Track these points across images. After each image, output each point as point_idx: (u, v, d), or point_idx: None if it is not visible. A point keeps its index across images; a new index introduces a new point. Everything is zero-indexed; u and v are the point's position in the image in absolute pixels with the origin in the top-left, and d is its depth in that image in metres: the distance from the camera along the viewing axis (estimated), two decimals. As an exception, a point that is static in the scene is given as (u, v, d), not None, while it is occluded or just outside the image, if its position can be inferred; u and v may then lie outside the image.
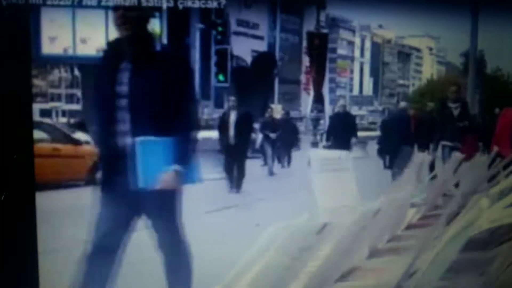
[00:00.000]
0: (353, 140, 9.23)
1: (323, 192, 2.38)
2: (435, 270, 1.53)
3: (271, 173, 9.73)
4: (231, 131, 8.52)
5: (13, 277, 2.83)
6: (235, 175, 8.49)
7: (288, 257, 1.35)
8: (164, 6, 4.20)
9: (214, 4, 4.22)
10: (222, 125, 8.70)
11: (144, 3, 4.20)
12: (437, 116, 7.69)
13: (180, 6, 4.32)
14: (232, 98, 9.04)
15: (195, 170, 3.76)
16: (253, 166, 9.85)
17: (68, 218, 5.54)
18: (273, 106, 11.09)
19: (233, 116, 8.62)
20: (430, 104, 9.61)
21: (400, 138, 8.47)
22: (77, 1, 4.06)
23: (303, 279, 1.56)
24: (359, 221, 1.70)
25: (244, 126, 8.67)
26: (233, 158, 8.49)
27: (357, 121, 11.32)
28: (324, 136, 9.84)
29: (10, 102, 2.78)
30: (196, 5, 4.36)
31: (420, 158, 2.67)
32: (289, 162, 10.37)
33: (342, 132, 9.17)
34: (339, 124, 9.32)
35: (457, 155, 3.23)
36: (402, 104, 9.77)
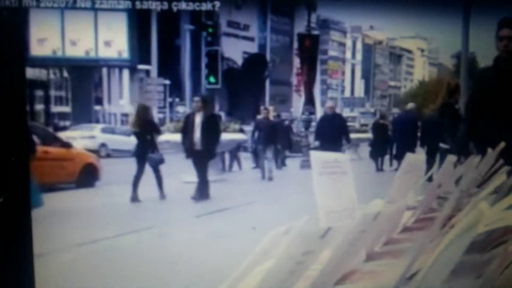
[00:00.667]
0: (346, 145, 8.91)
1: (324, 195, 2.35)
2: (437, 273, 1.52)
3: (264, 176, 9.19)
4: (197, 135, 7.74)
5: (10, 279, 2.79)
6: (197, 182, 7.64)
7: (293, 261, 1.33)
8: (158, 8, 4.16)
9: (209, 6, 4.19)
10: (187, 128, 7.84)
11: (138, 6, 4.18)
12: (447, 119, 7.39)
13: (174, 9, 4.29)
14: (197, 98, 8.17)
15: (32, 193, 2.78)
16: (246, 168, 9.80)
17: (59, 221, 5.51)
18: (269, 107, 10.87)
19: (198, 118, 7.80)
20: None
21: (408, 139, 8.26)
22: (70, 2, 3.96)
23: (303, 283, 1.55)
24: (359, 224, 1.69)
25: (210, 129, 7.83)
26: (197, 163, 7.68)
27: (349, 122, 11.25)
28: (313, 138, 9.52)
29: (6, 104, 2.73)
30: (190, 7, 4.33)
31: (411, 159, 2.66)
32: (282, 163, 10.22)
33: (330, 134, 8.69)
34: (327, 126, 8.90)
35: (451, 157, 3.21)
36: (410, 105, 9.51)
